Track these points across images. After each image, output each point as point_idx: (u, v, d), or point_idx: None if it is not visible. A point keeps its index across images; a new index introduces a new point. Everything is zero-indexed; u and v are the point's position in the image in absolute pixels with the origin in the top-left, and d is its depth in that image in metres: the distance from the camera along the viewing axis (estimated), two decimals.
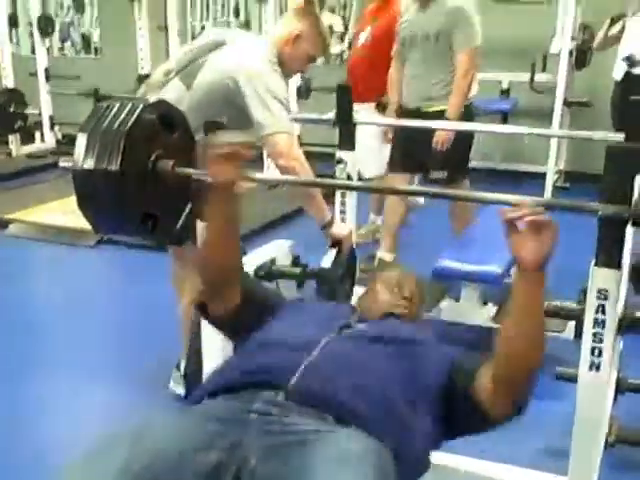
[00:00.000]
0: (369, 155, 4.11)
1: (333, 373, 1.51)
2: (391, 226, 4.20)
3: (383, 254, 4.16)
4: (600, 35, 5.43)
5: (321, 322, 1.76)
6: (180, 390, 2.81)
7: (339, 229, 2.64)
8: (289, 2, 5.82)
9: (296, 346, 1.59)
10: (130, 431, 1.40)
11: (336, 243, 2.57)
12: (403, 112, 3.96)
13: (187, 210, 2.08)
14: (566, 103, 5.74)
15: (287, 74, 2.72)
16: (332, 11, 6.76)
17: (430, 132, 3.73)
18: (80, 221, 1.98)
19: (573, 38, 5.61)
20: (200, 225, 2.06)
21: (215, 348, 1.88)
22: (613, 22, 5.30)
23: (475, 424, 1.60)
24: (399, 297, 1.94)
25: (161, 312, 3.15)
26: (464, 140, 3.88)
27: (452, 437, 1.65)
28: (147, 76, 6.35)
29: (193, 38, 7.29)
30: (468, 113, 3.87)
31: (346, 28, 6.94)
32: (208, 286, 1.79)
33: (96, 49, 8.18)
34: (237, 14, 7.53)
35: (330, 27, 2.79)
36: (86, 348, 3.34)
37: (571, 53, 5.66)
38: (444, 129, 3.70)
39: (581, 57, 5.81)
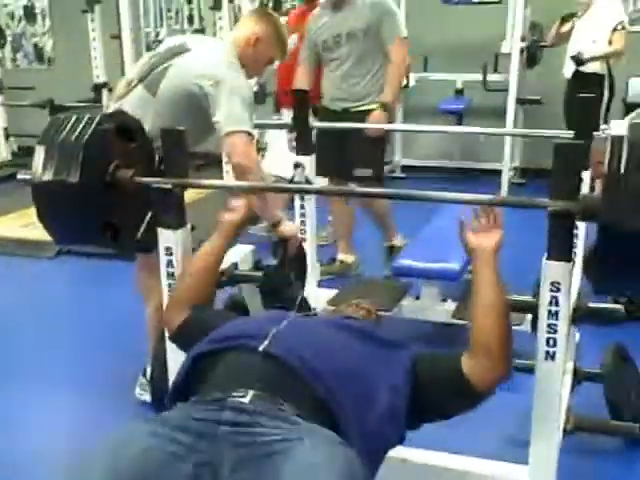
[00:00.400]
0: (280, 157, 4.14)
1: (299, 341, 1.63)
2: (342, 230, 4.24)
3: (344, 257, 4.20)
4: (552, 32, 5.59)
5: (273, 316, 1.89)
6: (146, 397, 2.81)
7: (286, 227, 2.64)
8: (243, 9, 5.81)
9: (262, 323, 1.73)
10: (103, 449, 1.41)
11: (282, 241, 2.58)
12: (324, 114, 3.91)
13: (148, 218, 2.10)
14: (519, 101, 5.87)
15: (248, 76, 2.74)
16: (286, 15, 6.78)
17: (356, 131, 3.71)
18: (39, 232, 1.99)
19: (523, 38, 5.74)
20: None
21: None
22: (564, 21, 5.47)
23: (460, 402, 1.66)
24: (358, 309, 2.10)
25: (125, 320, 3.14)
26: (381, 140, 3.90)
27: (423, 422, 1.70)
28: (103, 85, 6.33)
29: (147, 46, 7.26)
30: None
31: None
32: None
33: (49, 59, 8.10)
34: (191, 21, 7.52)
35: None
36: (50, 358, 3.30)
37: (522, 52, 5.79)
38: (386, 128, 3.73)
39: (532, 56, 5.94)
